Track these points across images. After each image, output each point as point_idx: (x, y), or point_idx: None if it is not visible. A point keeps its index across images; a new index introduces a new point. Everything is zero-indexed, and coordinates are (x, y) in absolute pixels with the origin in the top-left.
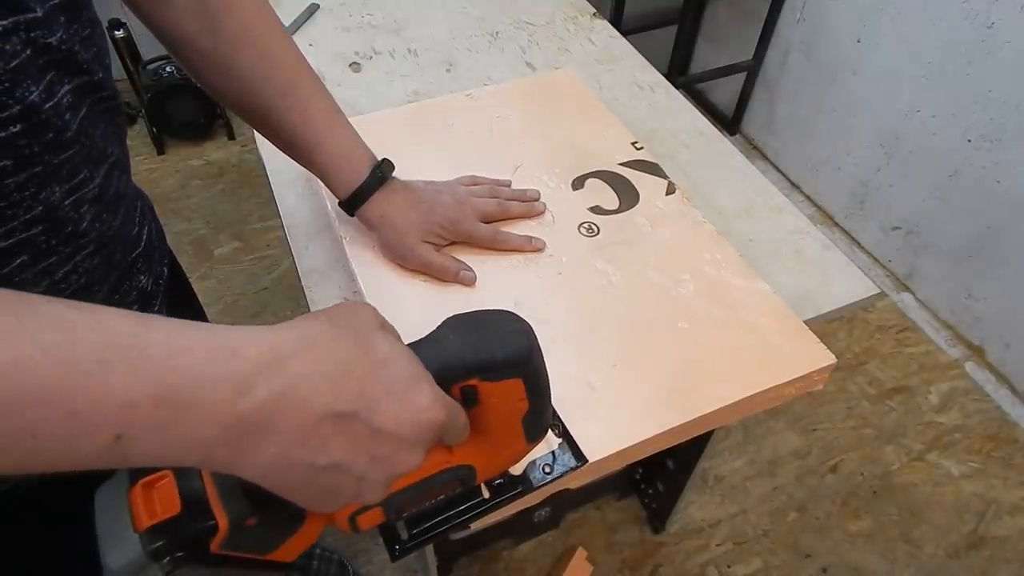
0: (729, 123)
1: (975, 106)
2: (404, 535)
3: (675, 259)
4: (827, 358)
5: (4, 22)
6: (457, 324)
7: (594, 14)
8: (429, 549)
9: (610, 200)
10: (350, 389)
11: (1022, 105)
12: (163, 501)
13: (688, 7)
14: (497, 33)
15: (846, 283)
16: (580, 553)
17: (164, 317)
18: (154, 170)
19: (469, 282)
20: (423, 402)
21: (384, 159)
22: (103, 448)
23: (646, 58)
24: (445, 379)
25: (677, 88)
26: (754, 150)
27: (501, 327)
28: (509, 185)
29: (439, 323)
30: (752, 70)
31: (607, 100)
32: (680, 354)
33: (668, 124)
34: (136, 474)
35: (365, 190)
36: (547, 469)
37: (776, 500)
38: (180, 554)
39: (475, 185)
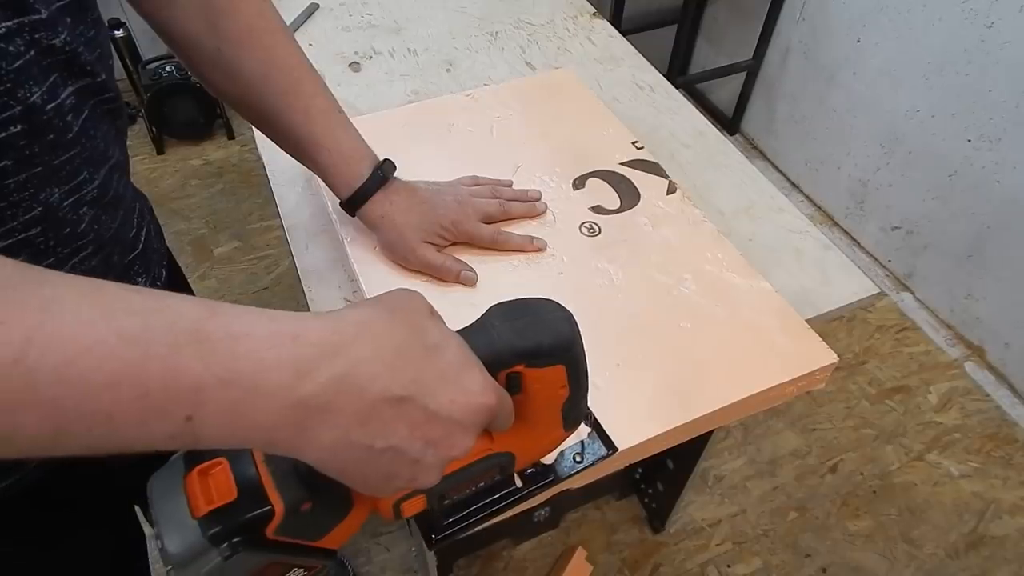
0: (729, 123)
1: (975, 106)
2: (440, 523)
3: (677, 258)
4: (829, 357)
5: (8, 23)
6: (503, 311)
7: (594, 14)
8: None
9: (611, 200)
10: (406, 374)
11: (1022, 105)
12: (219, 487)
13: (688, 7)
14: (497, 33)
15: (846, 283)
16: (580, 553)
17: (228, 304)
18: (154, 170)
19: (470, 282)
20: (475, 386)
21: (386, 159)
22: (175, 429)
23: (646, 58)
24: (493, 365)
25: (677, 88)
26: (754, 150)
27: (546, 314)
28: (510, 185)
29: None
30: (752, 70)
31: (607, 100)
32: (682, 353)
33: (668, 124)
34: (191, 461)
35: (366, 190)
36: (577, 458)
37: (776, 500)
38: (237, 539)
39: (476, 185)
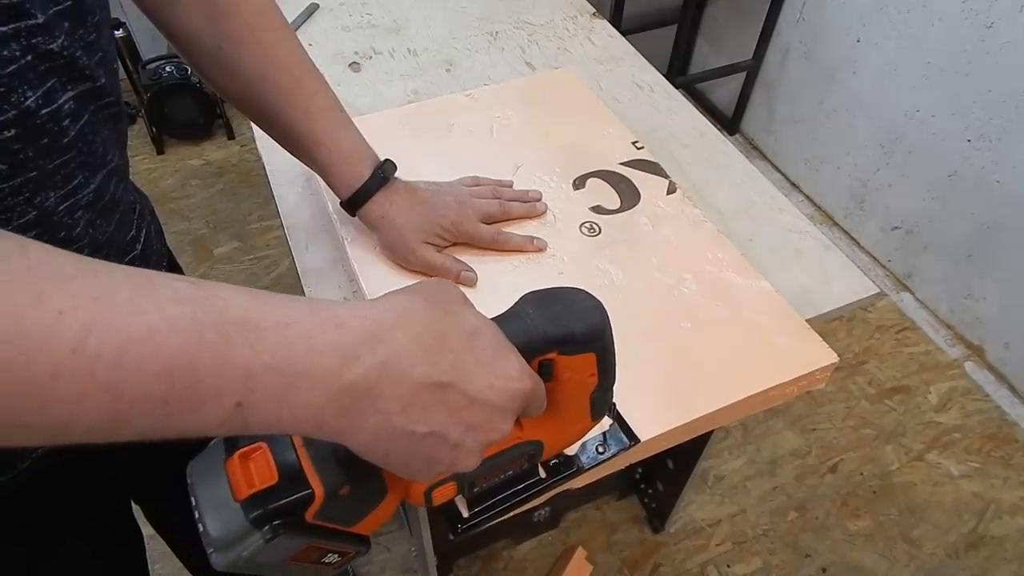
0: (729, 123)
1: (975, 106)
2: (465, 514)
3: (677, 258)
4: (829, 356)
5: (4, 28)
6: (536, 300)
7: (594, 14)
8: (429, 548)
9: (611, 200)
10: (446, 359)
11: (1022, 105)
12: (259, 471)
13: (688, 7)
14: (497, 33)
15: (846, 283)
16: (580, 553)
17: (271, 292)
18: (153, 170)
19: (470, 283)
20: (512, 372)
21: (386, 159)
22: (225, 415)
23: (646, 58)
24: (527, 352)
25: (677, 88)
26: (754, 150)
27: (578, 303)
28: (511, 186)
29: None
30: (752, 70)
31: (607, 100)
32: (683, 353)
33: (668, 124)
34: (231, 446)
35: (367, 190)
36: (600, 449)
37: (776, 500)
38: (278, 522)
39: (477, 186)
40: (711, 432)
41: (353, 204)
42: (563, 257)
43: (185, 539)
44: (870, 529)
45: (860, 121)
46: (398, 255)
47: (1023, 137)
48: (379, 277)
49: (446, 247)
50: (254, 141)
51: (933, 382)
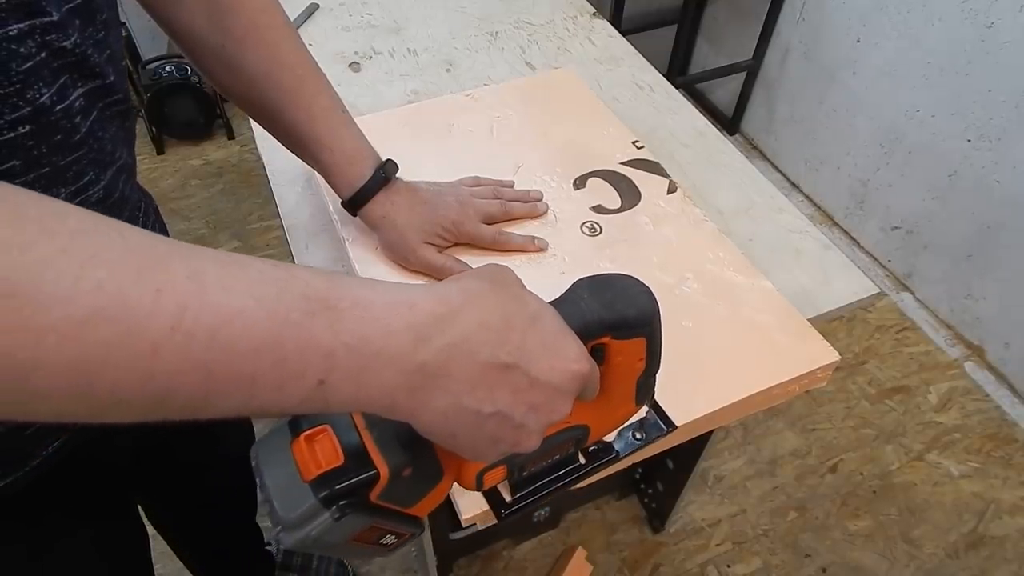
0: (729, 123)
1: (975, 106)
2: (508, 499)
3: (678, 258)
4: (831, 355)
5: (20, 25)
6: (589, 285)
7: (594, 14)
8: (429, 548)
9: (612, 199)
10: (511, 341)
11: (1022, 105)
12: (325, 453)
13: (688, 7)
14: (497, 33)
15: (846, 283)
16: (580, 553)
17: (345, 275)
18: (153, 170)
19: None
20: (572, 354)
21: (388, 160)
22: (308, 393)
23: (646, 58)
24: (582, 336)
25: (677, 88)
26: (754, 150)
27: (630, 288)
28: (512, 186)
29: None
30: (752, 70)
31: (607, 100)
32: (684, 352)
33: (668, 124)
34: (295, 428)
35: (368, 190)
36: (637, 436)
37: (776, 500)
38: (344, 502)
39: (478, 186)
40: (711, 432)
41: (354, 204)
42: (564, 257)
43: (186, 539)
44: (870, 529)
45: (860, 121)
46: (399, 255)
47: (1023, 137)
48: (380, 277)
49: (447, 247)
50: (254, 141)
51: (933, 382)
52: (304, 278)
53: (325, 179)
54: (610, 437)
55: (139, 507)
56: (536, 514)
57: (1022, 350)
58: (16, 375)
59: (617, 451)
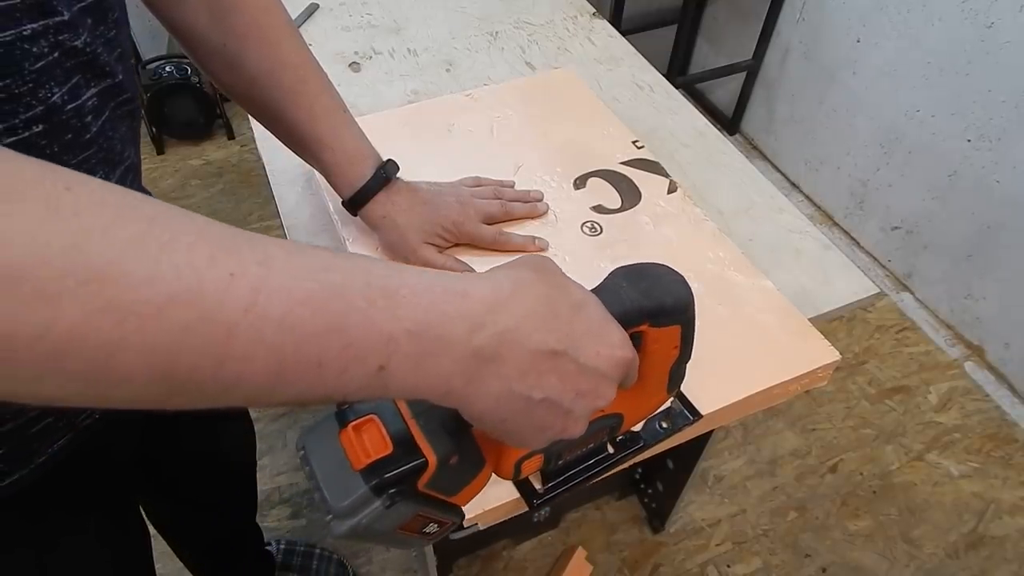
0: (729, 123)
1: (975, 106)
2: (540, 488)
3: (678, 257)
4: (831, 354)
5: (34, 25)
6: (626, 274)
7: (594, 14)
8: (429, 548)
9: (612, 199)
10: (559, 328)
11: (1022, 105)
12: (373, 442)
13: (688, 7)
14: (497, 33)
15: (846, 283)
16: (580, 553)
17: (401, 263)
18: (153, 170)
19: None
20: (616, 340)
21: (389, 160)
22: (369, 378)
23: (646, 58)
24: (622, 323)
25: (677, 88)
26: (754, 150)
27: (666, 277)
28: (512, 186)
29: None
30: (752, 70)
31: (607, 100)
32: None
33: (668, 124)
34: (342, 419)
35: (369, 190)
36: (663, 425)
37: (776, 500)
38: (394, 490)
39: (478, 186)
40: (711, 432)
41: (355, 204)
42: (565, 257)
43: (186, 539)
44: (870, 529)
45: (860, 121)
46: (399, 255)
47: (1023, 137)
48: None
49: (447, 247)
50: (254, 141)
51: (933, 382)
52: (365, 266)
53: (326, 179)
54: (637, 427)
55: (140, 506)
56: (536, 514)
57: (1022, 350)
58: (99, 357)
59: (644, 440)
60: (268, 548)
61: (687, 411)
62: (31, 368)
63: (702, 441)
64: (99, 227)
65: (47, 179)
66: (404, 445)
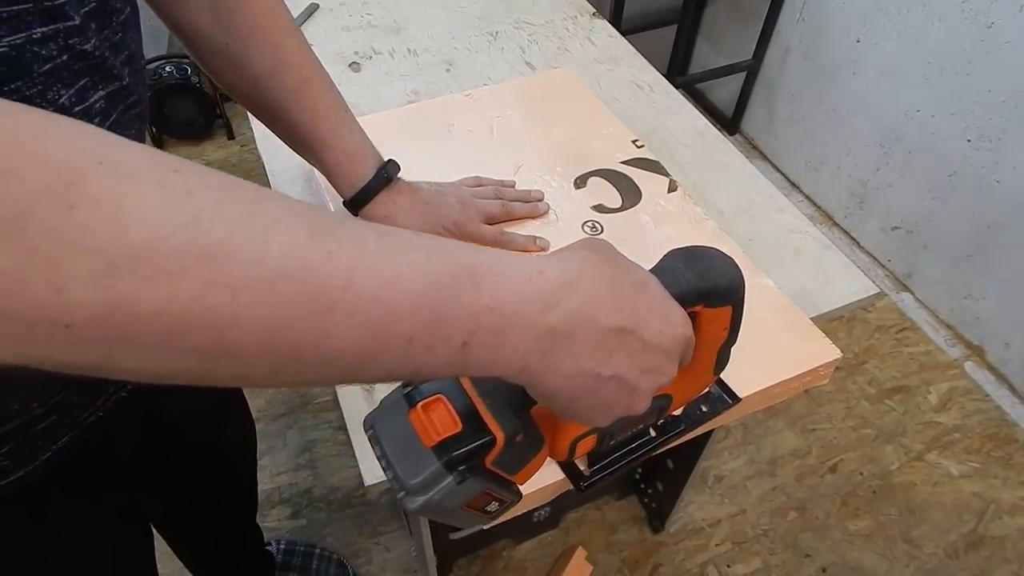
0: (729, 123)
1: (975, 106)
2: (586, 472)
3: None
4: (832, 353)
5: (44, 29)
6: (682, 256)
7: (594, 14)
8: (429, 548)
9: (613, 198)
10: (625, 307)
11: (1022, 105)
12: (441, 421)
13: (688, 7)
14: (497, 33)
15: (846, 283)
16: (580, 553)
17: (475, 244)
18: None
19: None
20: (678, 318)
21: (390, 160)
22: (453, 354)
23: (646, 58)
24: (679, 303)
25: (677, 88)
26: (754, 150)
27: (719, 259)
28: (513, 186)
29: None
30: (752, 70)
31: (607, 100)
32: None
33: (668, 124)
34: (411, 399)
35: (370, 190)
36: (703, 408)
37: (776, 500)
38: (464, 467)
39: (479, 186)
40: (711, 432)
41: (356, 204)
42: None
43: (186, 539)
44: (870, 529)
45: (860, 121)
46: None
47: (1023, 137)
48: None
49: None
50: (254, 141)
51: (933, 382)
52: (447, 246)
53: (327, 178)
54: (676, 411)
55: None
56: (536, 514)
57: (1022, 350)
58: (214, 332)
59: (685, 424)
60: (268, 548)
61: (725, 395)
62: (151, 344)
63: (702, 441)
64: (209, 208)
65: (157, 161)
66: (472, 423)
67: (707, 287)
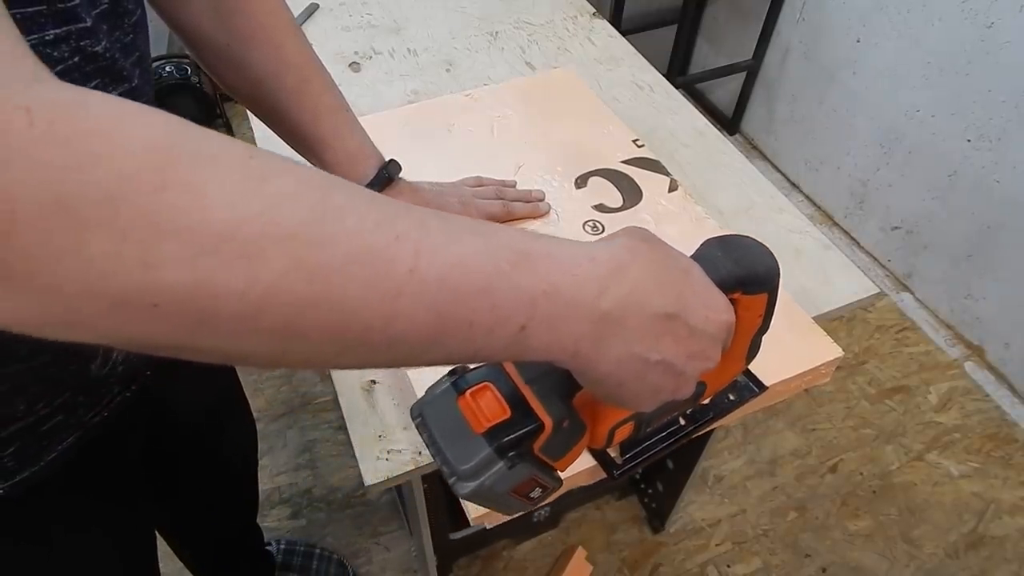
0: (729, 123)
1: (975, 106)
2: (619, 460)
3: None
4: (834, 351)
5: (57, 30)
6: (720, 244)
7: (594, 14)
8: (429, 548)
9: (614, 198)
10: (672, 293)
11: (1022, 105)
12: (490, 408)
13: (688, 7)
14: (497, 33)
15: (846, 283)
16: (580, 553)
17: (528, 230)
18: None
19: None
20: (721, 304)
21: (391, 160)
22: (511, 338)
23: (646, 58)
24: (719, 289)
25: (677, 88)
26: (754, 150)
27: (755, 247)
28: (514, 186)
29: None
30: (752, 70)
31: (607, 100)
32: None
33: (668, 124)
34: (459, 387)
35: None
36: (731, 397)
37: (776, 500)
38: (513, 452)
39: (480, 186)
40: (711, 432)
41: None
42: None
43: (186, 539)
44: (870, 529)
45: (860, 121)
46: None
47: (1023, 137)
48: None
49: None
50: (254, 141)
51: (933, 382)
52: (503, 232)
53: None
54: (705, 400)
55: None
56: (536, 514)
57: (1022, 350)
58: (291, 314)
59: (713, 412)
60: (268, 548)
61: (752, 383)
62: (231, 326)
63: (702, 441)
64: (285, 193)
65: (234, 147)
66: (521, 409)
67: (745, 274)
